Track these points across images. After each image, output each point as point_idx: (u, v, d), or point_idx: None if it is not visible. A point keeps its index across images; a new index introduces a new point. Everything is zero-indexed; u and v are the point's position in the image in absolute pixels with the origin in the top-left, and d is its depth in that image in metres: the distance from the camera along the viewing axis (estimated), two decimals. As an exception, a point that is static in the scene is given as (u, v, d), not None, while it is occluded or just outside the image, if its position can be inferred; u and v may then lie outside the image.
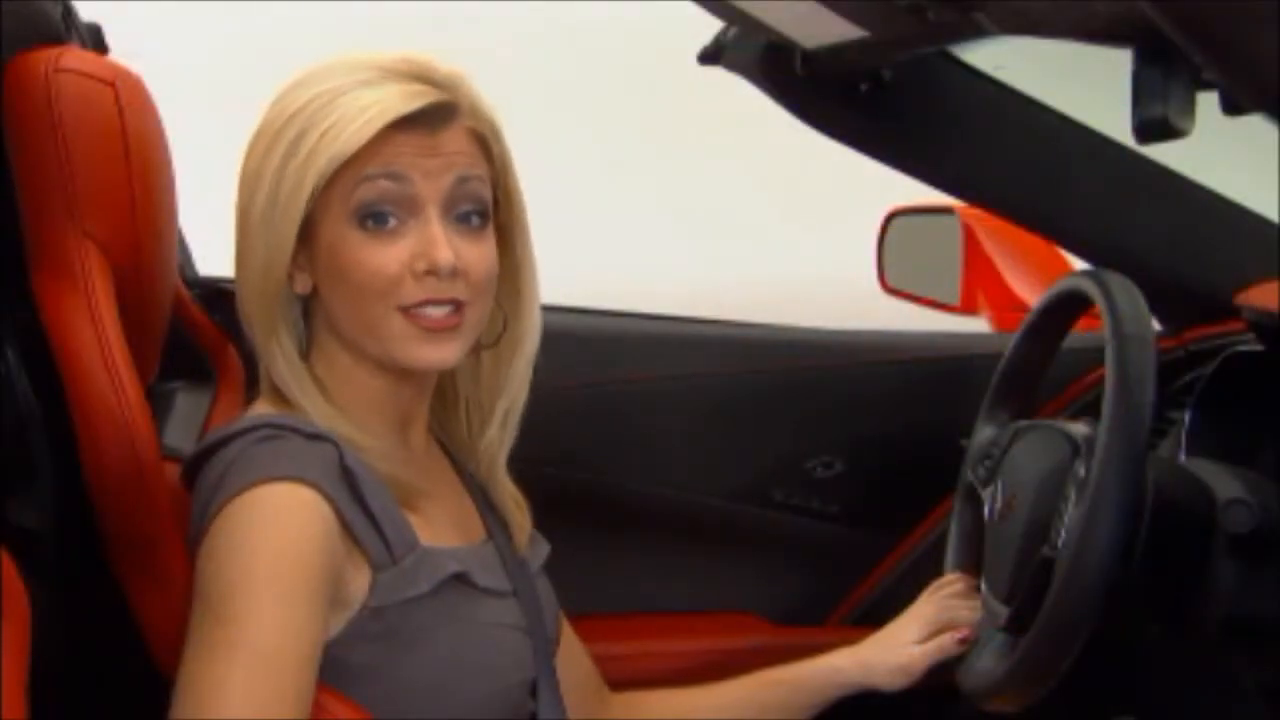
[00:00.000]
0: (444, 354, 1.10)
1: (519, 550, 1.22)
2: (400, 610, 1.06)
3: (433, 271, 1.07)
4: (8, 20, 1.08)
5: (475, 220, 1.10)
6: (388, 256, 1.07)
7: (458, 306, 1.09)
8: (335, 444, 1.06)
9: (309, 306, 1.12)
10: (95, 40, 1.31)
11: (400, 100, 1.05)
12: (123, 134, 1.11)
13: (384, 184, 1.06)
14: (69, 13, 1.24)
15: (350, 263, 1.07)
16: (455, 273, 1.07)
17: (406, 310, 1.08)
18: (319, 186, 1.06)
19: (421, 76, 1.07)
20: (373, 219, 1.07)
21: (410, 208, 1.07)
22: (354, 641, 1.04)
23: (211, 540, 1.00)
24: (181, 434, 1.25)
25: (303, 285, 1.11)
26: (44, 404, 1.07)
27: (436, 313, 1.08)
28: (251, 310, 1.11)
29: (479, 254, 1.10)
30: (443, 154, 1.08)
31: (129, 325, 1.11)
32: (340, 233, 1.07)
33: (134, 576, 1.07)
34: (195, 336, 1.39)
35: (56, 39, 1.17)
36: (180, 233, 1.42)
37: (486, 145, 1.12)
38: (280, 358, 1.11)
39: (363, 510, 1.05)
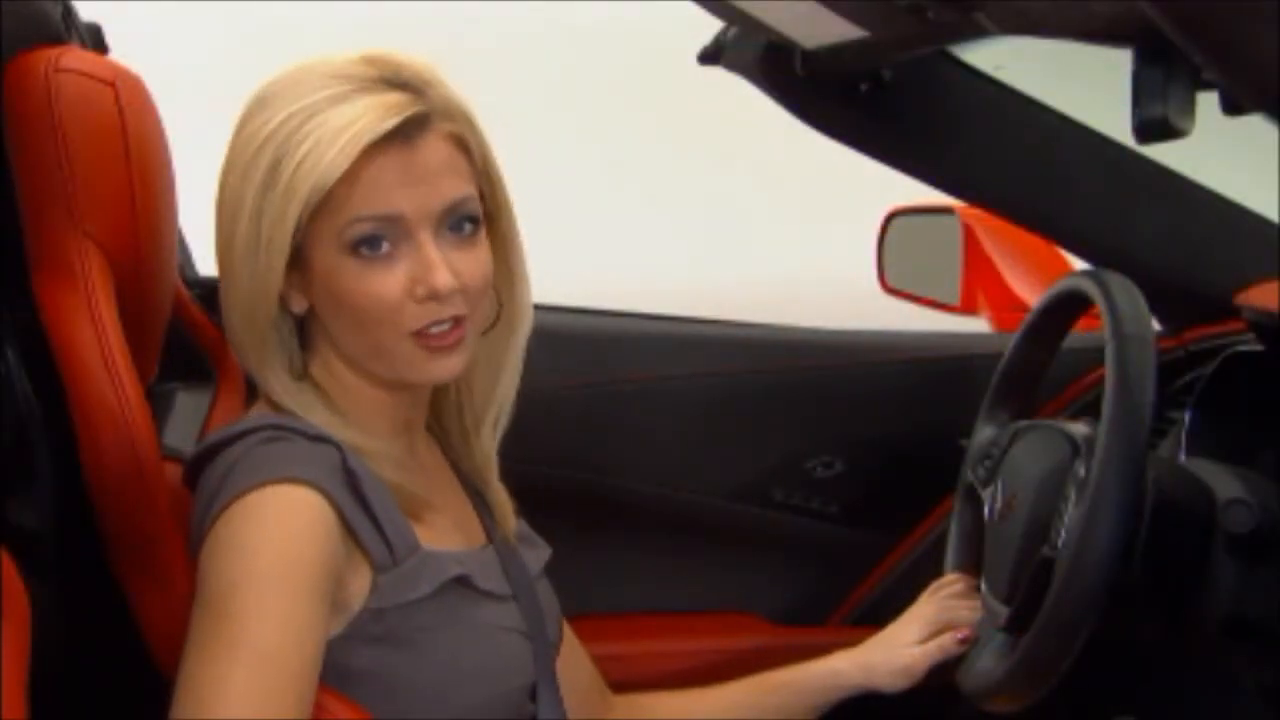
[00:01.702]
0: (450, 367, 1.09)
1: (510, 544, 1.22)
2: (401, 612, 1.06)
3: (433, 297, 1.06)
4: (8, 20, 1.08)
5: (467, 228, 1.09)
6: (386, 283, 1.06)
7: (458, 322, 1.08)
8: (338, 446, 1.06)
9: (303, 320, 1.11)
10: (95, 40, 1.31)
11: (374, 119, 1.03)
12: (123, 134, 1.11)
13: (374, 225, 1.05)
14: (69, 13, 1.24)
15: (349, 291, 1.06)
16: (454, 292, 1.07)
17: (415, 335, 1.07)
18: (304, 217, 1.04)
19: (389, 80, 1.05)
20: (366, 245, 1.05)
21: (402, 232, 1.06)
22: (354, 644, 1.04)
23: (214, 540, 1.00)
24: (181, 434, 1.25)
25: (299, 305, 1.10)
26: (44, 404, 1.07)
27: (443, 329, 1.08)
28: (241, 339, 1.10)
29: (474, 261, 1.09)
30: (426, 173, 1.06)
31: (129, 325, 1.11)
32: (334, 263, 1.06)
33: (134, 576, 1.07)
34: (195, 336, 1.39)
35: (56, 39, 1.17)
36: (180, 233, 1.42)
37: (465, 145, 1.10)
38: (275, 384, 1.10)
39: (365, 512, 1.05)
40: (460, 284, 1.07)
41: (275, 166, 1.03)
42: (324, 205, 1.04)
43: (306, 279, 1.08)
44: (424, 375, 1.09)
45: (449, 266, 1.06)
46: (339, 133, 1.02)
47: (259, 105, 1.07)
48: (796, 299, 2.05)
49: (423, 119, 1.06)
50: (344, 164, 1.02)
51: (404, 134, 1.05)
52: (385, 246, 1.06)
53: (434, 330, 1.07)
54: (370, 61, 1.06)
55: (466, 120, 1.10)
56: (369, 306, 1.06)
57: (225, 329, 1.11)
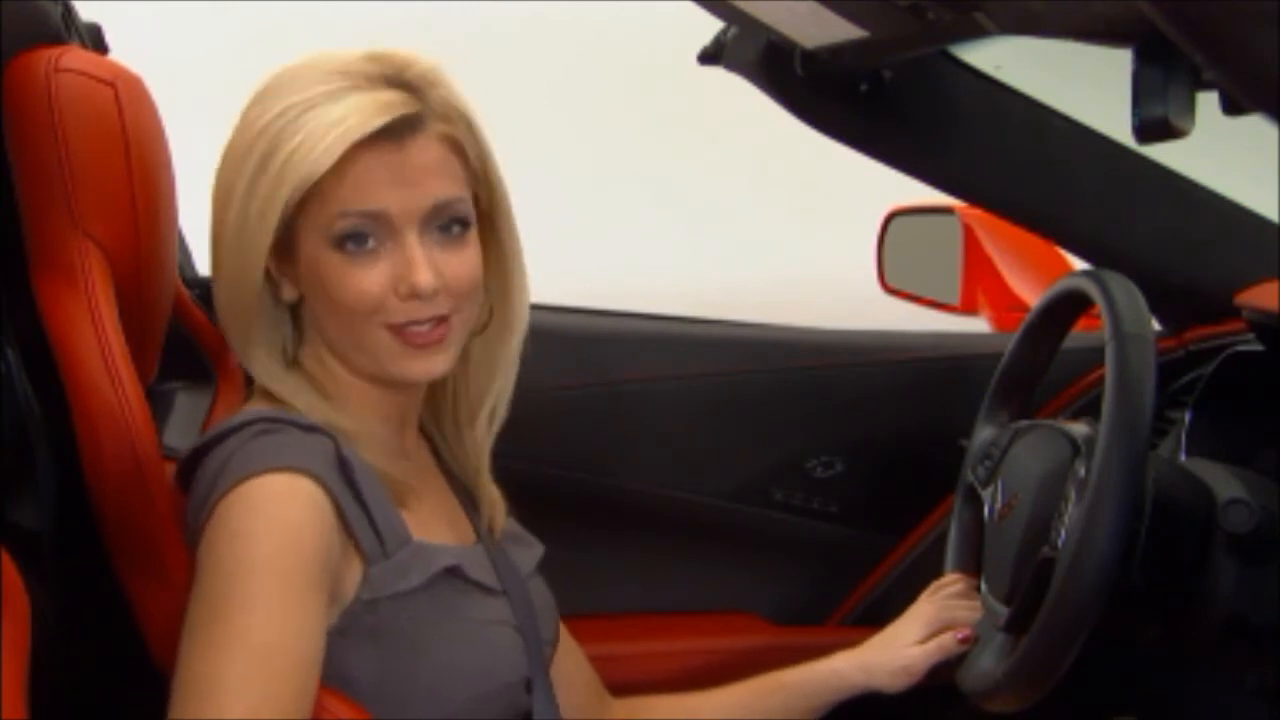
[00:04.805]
0: (431, 366, 1.10)
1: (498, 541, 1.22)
2: (393, 603, 1.05)
3: (415, 295, 1.06)
4: (8, 20, 1.08)
5: (456, 229, 1.10)
6: (369, 279, 1.07)
7: (440, 320, 1.09)
8: (331, 436, 1.06)
9: (297, 309, 1.12)
10: (95, 40, 1.31)
11: (364, 116, 1.04)
12: (123, 134, 1.11)
13: (359, 221, 1.06)
14: (69, 13, 1.24)
15: (332, 283, 1.07)
16: (436, 291, 1.07)
17: (393, 328, 1.08)
18: (290, 205, 1.05)
19: (390, 79, 1.06)
20: (352, 241, 1.06)
21: (388, 230, 1.07)
22: (349, 637, 1.04)
23: (210, 533, 1.00)
24: (181, 434, 1.25)
25: (289, 294, 1.11)
26: (44, 404, 1.07)
27: (422, 329, 1.08)
28: (228, 322, 1.11)
29: (460, 263, 1.09)
30: (415, 173, 1.06)
31: (129, 325, 1.11)
32: (320, 254, 1.07)
33: (134, 576, 1.07)
34: (195, 336, 1.39)
35: (56, 39, 1.17)
36: (180, 233, 1.42)
37: (460, 148, 1.10)
38: (260, 368, 1.11)
39: (357, 502, 1.05)
40: (443, 283, 1.07)
41: (267, 156, 1.05)
42: (312, 197, 1.05)
43: (295, 266, 1.09)
44: (404, 371, 1.09)
45: (433, 266, 1.07)
46: (330, 128, 1.04)
47: (259, 97, 1.08)
48: (797, 300, 2.05)
49: (415, 120, 1.06)
50: (330, 159, 1.03)
51: (394, 134, 1.05)
52: (370, 243, 1.07)
53: (415, 328, 1.08)
54: (375, 59, 1.07)
55: (464, 123, 1.10)
56: (350, 301, 1.07)
57: (217, 313, 1.12)
